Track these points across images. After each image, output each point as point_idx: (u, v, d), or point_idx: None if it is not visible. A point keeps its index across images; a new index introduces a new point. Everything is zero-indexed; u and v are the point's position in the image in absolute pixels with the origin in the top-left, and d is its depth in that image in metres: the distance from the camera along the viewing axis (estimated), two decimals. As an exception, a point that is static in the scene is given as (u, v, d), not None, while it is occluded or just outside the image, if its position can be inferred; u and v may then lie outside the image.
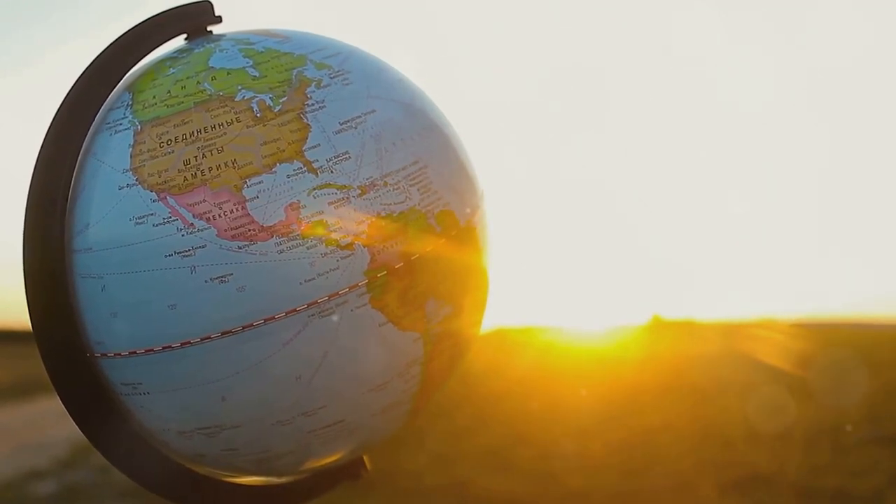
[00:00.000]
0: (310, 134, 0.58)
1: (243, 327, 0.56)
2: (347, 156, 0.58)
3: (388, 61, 0.68)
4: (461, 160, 0.67)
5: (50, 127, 0.60)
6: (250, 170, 0.56)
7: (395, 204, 0.59)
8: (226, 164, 0.56)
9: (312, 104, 0.59)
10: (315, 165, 0.57)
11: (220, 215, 0.56)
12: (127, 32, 0.63)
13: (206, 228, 0.56)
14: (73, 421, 0.60)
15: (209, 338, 0.56)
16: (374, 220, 0.58)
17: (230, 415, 0.59)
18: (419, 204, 0.61)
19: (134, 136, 0.59)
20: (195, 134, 0.57)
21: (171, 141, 0.57)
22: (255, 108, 0.58)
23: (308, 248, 0.56)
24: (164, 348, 0.57)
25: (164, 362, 0.57)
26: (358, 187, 0.58)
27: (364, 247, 0.58)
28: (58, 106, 0.61)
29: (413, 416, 0.66)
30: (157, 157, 0.57)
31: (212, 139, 0.57)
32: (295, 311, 0.56)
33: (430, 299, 0.61)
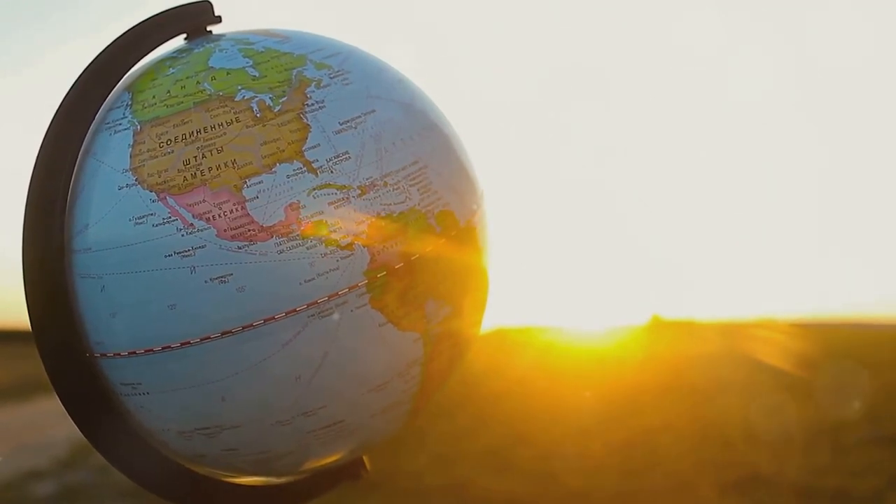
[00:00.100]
0: (310, 134, 0.58)
1: (243, 327, 0.56)
2: (347, 156, 0.58)
3: (388, 61, 0.68)
4: (461, 160, 0.67)
5: (49, 127, 0.60)
6: (250, 170, 0.56)
7: (395, 204, 0.59)
8: (225, 164, 0.56)
9: (312, 104, 0.59)
10: (315, 165, 0.57)
11: (219, 215, 0.56)
12: (126, 32, 0.63)
13: (205, 228, 0.55)
14: (72, 421, 0.60)
15: (209, 338, 0.56)
16: (373, 220, 0.58)
17: (230, 415, 0.59)
18: (419, 204, 0.60)
19: (133, 136, 0.59)
20: (195, 134, 0.57)
21: (170, 141, 0.57)
22: (255, 108, 0.58)
23: (308, 249, 0.56)
24: (163, 348, 0.57)
25: (163, 362, 0.57)
26: (358, 187, 0.58)
27: (364, 247, 0.58)
28: (57, 106, 0.61)
29: (413, 417, 0.66)
30: (157, 157, 0.57)
31: (211, 139, 0.57)
32: (295, 311, 0.56)
33: (430, 299, 0.61)
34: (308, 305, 0.56)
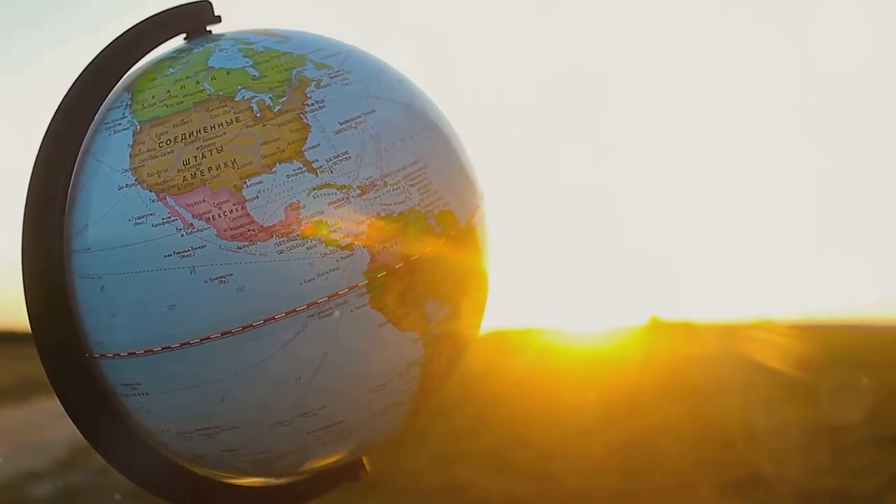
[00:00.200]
0: (309, 134, 0.58)
1: (243, 328, 0.56)
2: (347, 156, 0.58)
3: (388, 61, 0.68)
4: (461, 160, 0.67)
5: (49, 127, 0.60)
6: (250, 170, 0.56)
7: (395, 204, 0.59)
8: (225, 164, 0.56)
9: (312, 104, 0.59)
10: (315, 165, 0.57)
11: (219, 215, 0.55)
12: (126, 32, 0.63)
13: (205, 228, 0.55)
14: (71, 422, 0.60)
15: (208, 338, 0.56)
16: (373, 220, 0.58)
17: (230, 415, 0.59)
18: (419, 204, 0.60)
19: (133, 135, 0.58)
20: (194, 134, 0.57)
21: (170, 141, 0.57)
22: (255, 107, 0.58)
23: (308, 249, 0.56)
24: (163, 349, 0.57)
25: (163, 363, 0.57)
26: (358, 187, 0.58)
27: (364, 247, 0.57)
28: (57, 106, 0.61)
29: (413, 417, 0.66)
30: (157, 156, 0.57)
31: (211, 139, 0.57)
32: (295, 311, 0.56)
33: (430, 300, 0.61)
34: (308, 305, 0.56)
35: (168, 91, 0.60)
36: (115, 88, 0.62)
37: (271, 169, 0.56)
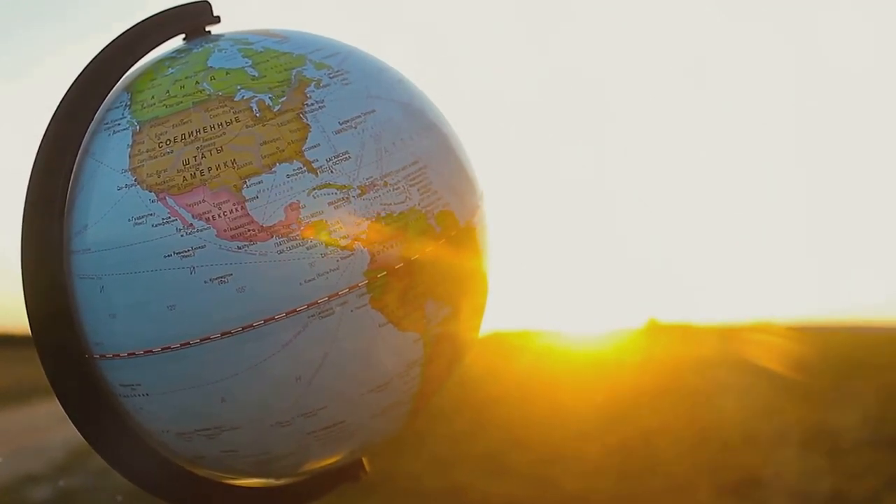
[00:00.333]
0: (309, 134, 0.58)
1: (243, 328, 0.56)
2: (347, 156, 0.58)
3: (388, 61, 0.68)
4: (461, 160, 0.67)
5: (48, 127, 0.60)
6: (250, 170, 0.56)
7: (394, 204, 0.59)
8: (225, 164, 0.56)
9: (312, 104, 0.59)
10: (315, 165, 0.57)
11: (219, 215, 0.55)
12: (125, 32, 0.63)
13: (205, 229, 0.55)
14: (71, 423, 0.60)
15: (208, 338, 0.56)
16: (373, 220, 0.58)
17: (230, 416, 0.59)
18: (419, 204, 0.60)
19: (132, 136, 0.58)
20: (194, 134, 0.57)
21: (170, 141, 0.57)
22: (255, 107, 0.58)
23: (308, 249, 0.56)
24: (163, 349, 0.56)
25: (163, 363, 0.57)
26: (358, 187, 0.58)
27: (364, 247, 0.57)
28: (56, 106, 0.61)
29: (413, 417, 0.66)
30: (156, 157, 0.57)
31: (211, 139, 0.57)
32: (295, 311, 0.56)
33: (430, 300, 0.61)
34: (308, 306, 0.56)
35: (167, 91, 0.60)
36: (114, 89, 0.62)
37: (271, 169, 0.56)
